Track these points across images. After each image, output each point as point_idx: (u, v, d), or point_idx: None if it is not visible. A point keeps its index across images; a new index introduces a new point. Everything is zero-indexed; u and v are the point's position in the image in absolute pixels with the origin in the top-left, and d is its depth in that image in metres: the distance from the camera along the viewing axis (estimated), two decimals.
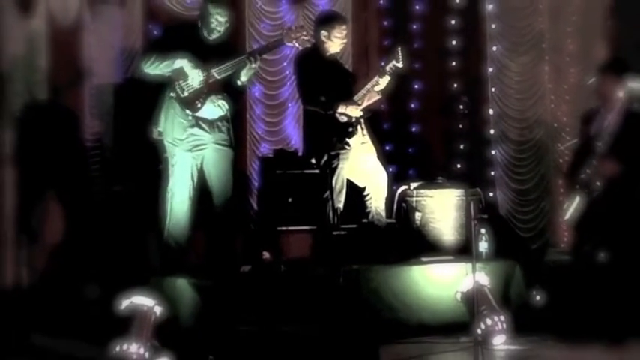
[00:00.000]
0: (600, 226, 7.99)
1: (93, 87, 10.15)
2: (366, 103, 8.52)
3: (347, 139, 8.45)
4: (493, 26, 10.87)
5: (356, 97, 8.49)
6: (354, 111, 8.47)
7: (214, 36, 7.98)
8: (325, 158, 8.39)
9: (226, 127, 8.06)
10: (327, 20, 8.76)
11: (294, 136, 10.46)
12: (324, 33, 8.58)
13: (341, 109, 8.42)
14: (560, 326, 8.04)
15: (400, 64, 8.43)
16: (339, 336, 5.30)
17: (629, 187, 7.91)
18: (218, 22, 7.94)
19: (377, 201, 8.66)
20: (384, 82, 8.49)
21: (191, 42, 7.93)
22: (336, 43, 8.61)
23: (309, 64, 8.60)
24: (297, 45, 8.33)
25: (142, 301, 6.97)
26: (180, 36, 8.09)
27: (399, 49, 8.45)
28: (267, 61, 10.38)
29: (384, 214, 8.73)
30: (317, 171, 8.55)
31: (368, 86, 8.51)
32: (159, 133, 7.95)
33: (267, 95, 10.71)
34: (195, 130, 7.89)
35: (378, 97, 8.59)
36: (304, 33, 8.33)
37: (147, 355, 6.77)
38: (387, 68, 8.45)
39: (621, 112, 8.06)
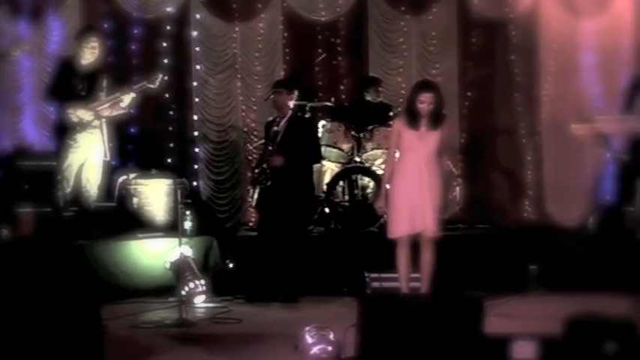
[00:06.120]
0: (273, 208, 8.10)
1: None
2: (107, 113, 8.31)
3: (75, 137, 8.19)
4: (197, 49, 10.72)
5: (96, 104, 8.24)
6: (84, 114, 8.19)
7: None
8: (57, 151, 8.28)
9: None
10: (79, 33, 8.59)
11: (30, 133, 9.91)
12: (76, 44, 8.37)
13: (72, 110, 8.17)
14: (247, 288, 8.21)
15: (152, 86, 8.34)
16: (69, 298, 5.03)
17: (291, 176, 8.08)
18: None
19: (91, 190, 8.41)
20: (127, 99, 8.27)
21: None
22: (86, 51, 8.27)
23: (62, 68, 8.32)
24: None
25: None
26: None
27: (160, 75, 8.41)
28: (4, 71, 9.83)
29: (94, 198, 8.48)
30: (53, 163, 8.36)
31: (110, 98, 8.27)
32: None
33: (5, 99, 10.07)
34: None
35: (123, 111, 8.45)
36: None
37: None
38: (135, 87, 8.28)
39: (290, 119, 8.21)
